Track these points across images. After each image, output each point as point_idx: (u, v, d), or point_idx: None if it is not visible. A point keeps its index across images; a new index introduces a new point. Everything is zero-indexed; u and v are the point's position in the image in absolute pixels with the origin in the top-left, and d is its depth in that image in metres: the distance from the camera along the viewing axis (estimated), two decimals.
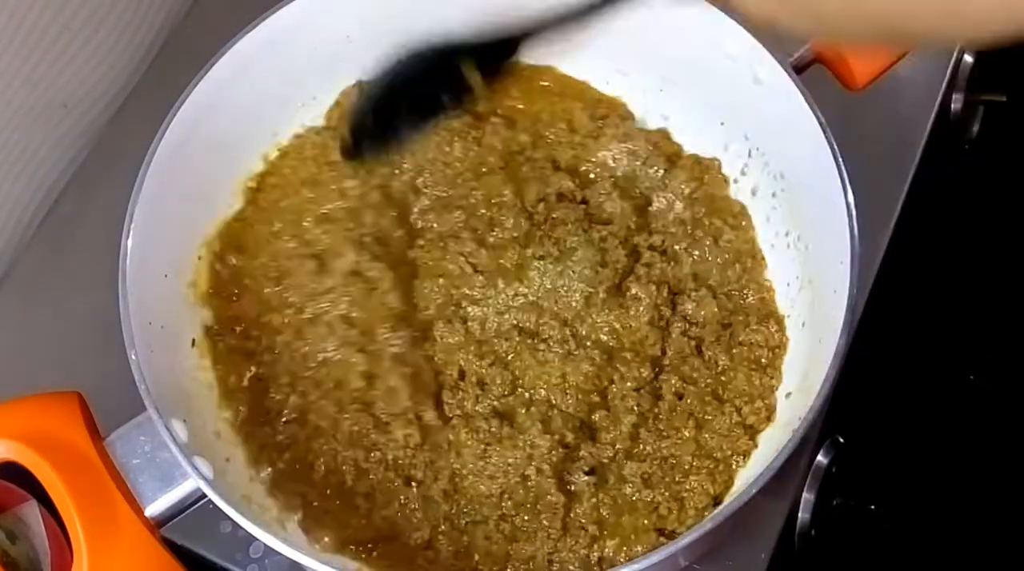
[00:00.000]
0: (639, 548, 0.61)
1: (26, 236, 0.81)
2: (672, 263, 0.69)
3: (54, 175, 0.82)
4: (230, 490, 0.59)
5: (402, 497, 0.64)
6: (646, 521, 0.62)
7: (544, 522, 0.62)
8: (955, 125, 0.81)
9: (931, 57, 0.75)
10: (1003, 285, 0.95)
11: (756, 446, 0.63)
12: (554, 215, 0.70)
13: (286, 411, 0.66)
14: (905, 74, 0.70)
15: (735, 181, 0.70)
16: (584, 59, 0.73)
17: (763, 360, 0.65)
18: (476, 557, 0.63)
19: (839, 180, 0.59)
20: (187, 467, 0.56)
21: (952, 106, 0.79)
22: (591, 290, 0.67)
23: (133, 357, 0.57)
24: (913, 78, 0.74)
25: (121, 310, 0.58)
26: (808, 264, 0.65)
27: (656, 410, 0.65)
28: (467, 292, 0.68)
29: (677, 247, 0.69)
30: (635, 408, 0.65)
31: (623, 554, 0.61)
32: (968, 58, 0.79)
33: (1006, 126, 0.92)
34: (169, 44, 0.86)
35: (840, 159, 0.59)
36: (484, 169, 0.72)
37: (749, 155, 0.69)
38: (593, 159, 0.73)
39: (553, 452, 0.63)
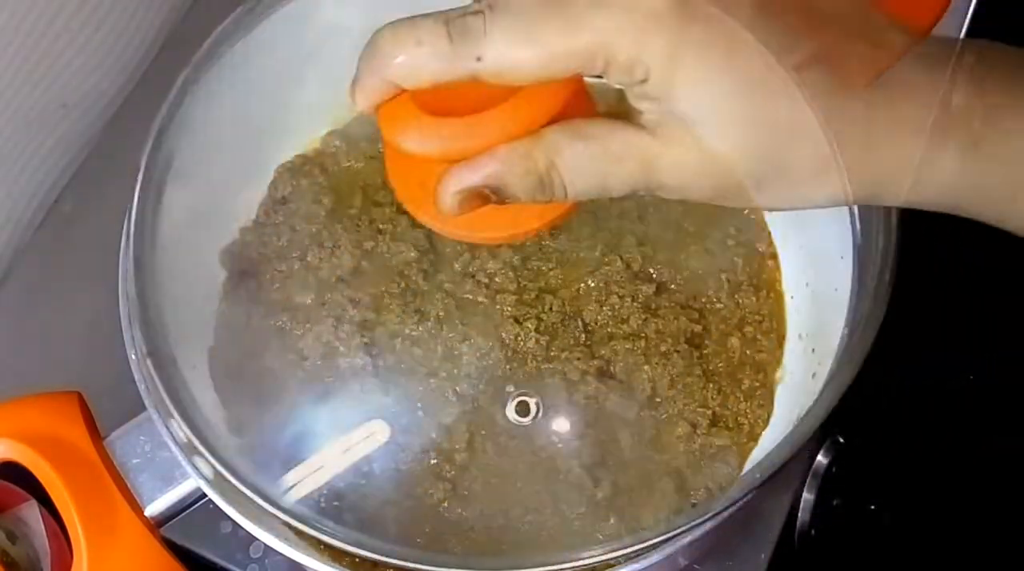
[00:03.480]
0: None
1: (26, 236, 0.81)
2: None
3: (54, 175, 0.82)
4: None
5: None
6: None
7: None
8: None
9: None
10: (1003, 285, 0.95)
11: (756, 445, 0.63)
12: None
13: None
14: None
15: None
16: None
17: None
18: None
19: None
20: (187, 467, 0.56)
21: None
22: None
23: (133, 357, 0.57)
24: None
25: (121, 310, 0.58)
26: (808, 264, 0.65)
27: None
28: None
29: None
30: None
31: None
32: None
33: None
34: (169, 44, 0.86)
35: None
36: None
37: None
38: None
39: None
